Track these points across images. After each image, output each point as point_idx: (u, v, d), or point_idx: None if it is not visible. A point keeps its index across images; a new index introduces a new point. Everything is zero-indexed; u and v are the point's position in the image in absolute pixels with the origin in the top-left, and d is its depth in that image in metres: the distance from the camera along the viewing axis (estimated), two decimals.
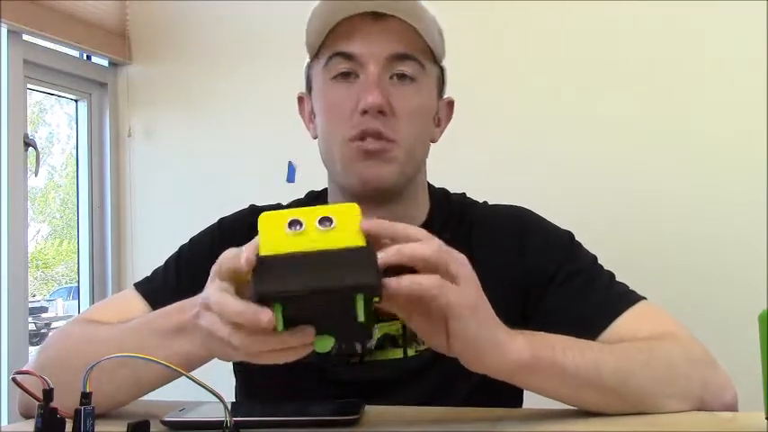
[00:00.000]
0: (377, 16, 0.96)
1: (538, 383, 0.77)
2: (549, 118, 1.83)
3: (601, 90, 1.80)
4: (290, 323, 0.64)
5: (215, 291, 0.69)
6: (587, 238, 1.03)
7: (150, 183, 2.20)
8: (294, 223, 0.66)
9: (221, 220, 1.10)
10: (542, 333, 0.79)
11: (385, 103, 0.94)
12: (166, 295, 0.98)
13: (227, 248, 1.04)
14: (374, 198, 0.98)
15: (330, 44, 0.98)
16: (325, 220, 0.66)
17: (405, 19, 0.95)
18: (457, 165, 1.76)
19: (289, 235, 0.65)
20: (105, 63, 2.21)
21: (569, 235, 1.03)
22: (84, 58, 2.17)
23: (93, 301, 2.14)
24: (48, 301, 2.56)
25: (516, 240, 1.01)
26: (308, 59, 1.03)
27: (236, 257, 0.68)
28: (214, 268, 0.71)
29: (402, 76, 0.97)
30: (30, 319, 1.96)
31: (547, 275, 0.98)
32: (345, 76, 0.97)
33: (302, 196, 1.12)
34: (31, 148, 1.92)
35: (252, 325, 0.65)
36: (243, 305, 0.66)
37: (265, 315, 0.63)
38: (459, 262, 0.70)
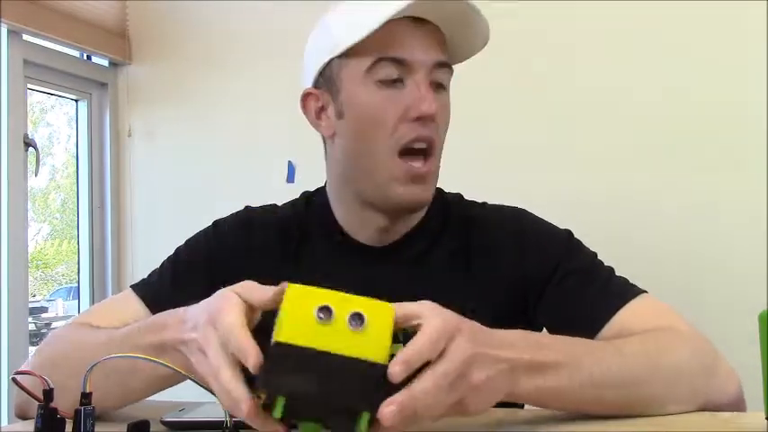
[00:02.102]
0: (417, 20, 0.95)
1: (543, 406, 0.78)
2: (546, 118, 1.83)
3: (596, 89, 1.80)
4: (288, 411, 0.61)
5: (217, 355, 0.66)
6: (584, 238, 1.03)
7: (150, 183, 2.20)
8: (324, 311, 0.61)
9: (216, 223, 1.10)
10: (550, 345, 0.77)
11: (437, 110, 0.94)
12: (164, 297, 0.99)
13: (223, 251, 1.05)
14: (408, 214, 1.00)
15: (375, 47, 0.94)
16: (356, 318, 0.61)
17: (442, 27, 0.96)
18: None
19: (315, 323, 0.61)
20: (105, 63, 2.21)
21: (567, 233, 1.03)
22: (85, 58, 2.17)
23: (93, 301, 2.14)
24: (48, 301, 2.56)
25: (514, 241, 1.01)
26: (328, 56, 0.98)
27: (244, 351, 0.63)
28: (225, 325, 0.66)
29: (440, 86, 0.97)
30: (30, 319, 1.97)
31: (546, 274, 0.98)
32: (392, 81, 0.94)
33: (297, 197, 1.12)
34: (31, 148, 1.92)
35: (234, 406, 0.63)
36: (235, 385, 0.63)
37: (246, 407, 0.62)
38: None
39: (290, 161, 2.01)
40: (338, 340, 0.61)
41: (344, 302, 0.62)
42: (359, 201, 1.00)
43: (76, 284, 2.20)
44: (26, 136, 1.91)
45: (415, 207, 0.99)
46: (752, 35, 1.67)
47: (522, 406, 1.01)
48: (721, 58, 1.71)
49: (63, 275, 2.38)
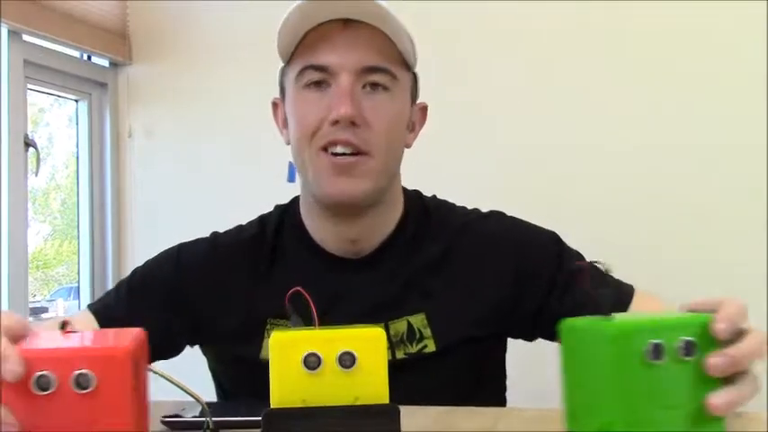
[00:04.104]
0: (347, 22, 0.93)
1: None
2: (543, 122, 1.83)
3: (595, 88, 1.80)
4: None
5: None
6: (582, 241, 1.04)
7: (150, 183, 2.20)
8: (311, 359, 0.59)
9: (181, 250, 1.07)
10: None
11: (357, 114, 0.92)
12: (117, 312, 1.00)
13: (185, 286, 1.01)
14: (347, 211, 0.97)
15: (301, 53, 0.95)
16: (346, 357, 0.59)
17: (376, 25, 0.92)
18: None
19: (305, 375, 0.59)
20: (105, 63, 2.21)
21: (554, 236, 1.04)
22: (85, 58, 2.17)
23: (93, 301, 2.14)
24: (48, 301, 2.55)
25: (500, 239, 1.01)
26: (282, 64, 1.01)
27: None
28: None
29: (374, 86, 0.94)
30: (30, 320, 1.96)
31: (542, 284, 0.99)
32: (317, 84, 0.94)
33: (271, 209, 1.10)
34: (31, 149, 1.92)
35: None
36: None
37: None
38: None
39: (290, 161, 2.01)
40: (332, 389, 0.59)
41: (331, 342, 0.60)
42: (318, 207, 1.00)
43: (77, 284, 2.20)
44: (26, 136, 1.91)
45: (345, 201, 0.95)
46: (752, 34, 1.67)
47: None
48: (718, 59, 1.71)
49: (63, 275, 2.37)
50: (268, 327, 0.98)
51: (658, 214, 1.74)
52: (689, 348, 0.58)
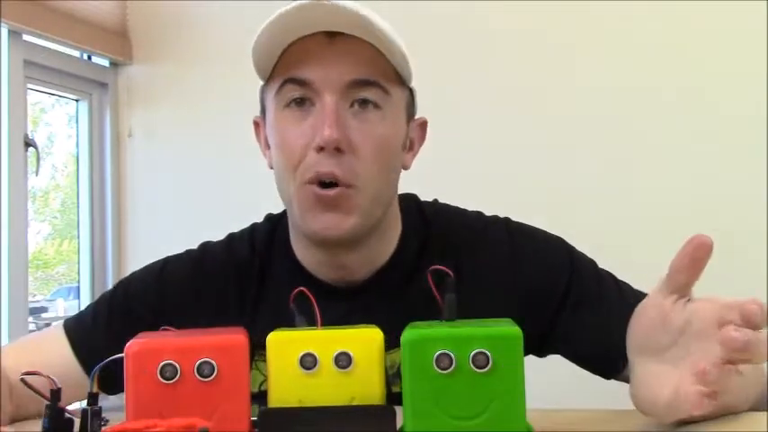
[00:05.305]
0: (333, 36, 0.85)
1: None
2: (546, 125, 1.83)
3: (595, 88, 1.80)
4: None
5: None
6: (582, 240, 1.02)
7: (150, 183, 2.20)
8: (307, 359, 0.59)
9: (166, 265, 0.99)
10: None
11: (343, 138, 0.83)
12: (94, 339, 0.92)
13: (169, 304, 0.94)
14: (336, 246, 0.89)
15: (282, 69, 0.88)
16: (342, 357, 0.60)
17: (365, 38, 0.84)
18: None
19: (301, 375, 0.59)
20: (106, 63, 2.21)
21: (564, 245, 0.96)
22: (85, 58, 2.17)
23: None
24: (48, 301, 2.56)
25: (508, 254, 0.93)
26: (262, 82, 0.94)
27: None
28: None
29: (364, 103, 0.85)
30: (30, 319, 1.97)
31: (555, 295, 0.91)
32: (299, 103, 0.86)
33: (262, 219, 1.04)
34: (31, 148, 1.92)
35: None
36: None
37: None
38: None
39: None
40: (328, 389, 0.60)
41: (328, 342, 0.60)
42: (305, 238, 0.91)
43: (77, 284, 2.20)
44: (26, 136, 1.91)
45: (331, 238, 0.86)
46: (753, 33, 1.67)
47: None
48: (717, 58, 1.71)
49: (63, 275, 2.37)
50: (256, 358, 0.88)
51: (655, 212, 1.74)
52: (482, 360, 0.58)
